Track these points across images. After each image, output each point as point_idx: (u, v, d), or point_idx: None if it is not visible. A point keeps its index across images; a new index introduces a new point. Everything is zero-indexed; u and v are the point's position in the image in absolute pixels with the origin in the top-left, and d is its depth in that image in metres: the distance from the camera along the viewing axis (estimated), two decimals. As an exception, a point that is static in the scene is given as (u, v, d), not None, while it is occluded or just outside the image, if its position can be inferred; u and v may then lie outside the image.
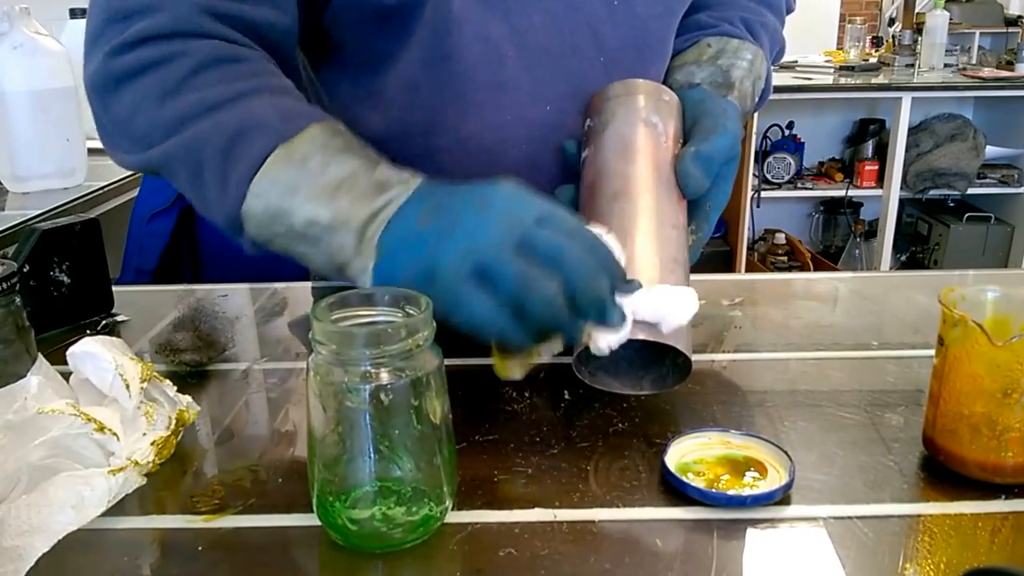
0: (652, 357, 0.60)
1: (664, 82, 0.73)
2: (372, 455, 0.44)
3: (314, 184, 0.52)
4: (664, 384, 0.58)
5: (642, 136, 0.63)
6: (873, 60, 3.32)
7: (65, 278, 0.76)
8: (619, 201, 0.60)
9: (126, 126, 0.58)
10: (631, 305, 0.52)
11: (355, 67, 0.69)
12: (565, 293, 0.48)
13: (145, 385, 0.55)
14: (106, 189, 1.44)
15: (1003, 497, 0.49)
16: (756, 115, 2.81)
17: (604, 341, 0.51)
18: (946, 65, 3.24)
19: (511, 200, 0.51)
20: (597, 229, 0.53)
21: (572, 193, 0.65)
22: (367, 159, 0.55)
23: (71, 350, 0.54)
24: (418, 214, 0.51)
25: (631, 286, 0.52)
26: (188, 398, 0.58)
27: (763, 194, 3.21)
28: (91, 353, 0.54)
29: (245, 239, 0.57)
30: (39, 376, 0.52)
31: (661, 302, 0.53)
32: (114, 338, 0.57)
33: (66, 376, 0.55)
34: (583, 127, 0.68)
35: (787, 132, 3.32)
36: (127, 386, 0.53)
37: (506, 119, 0.68)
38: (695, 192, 0.62)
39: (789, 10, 0.87)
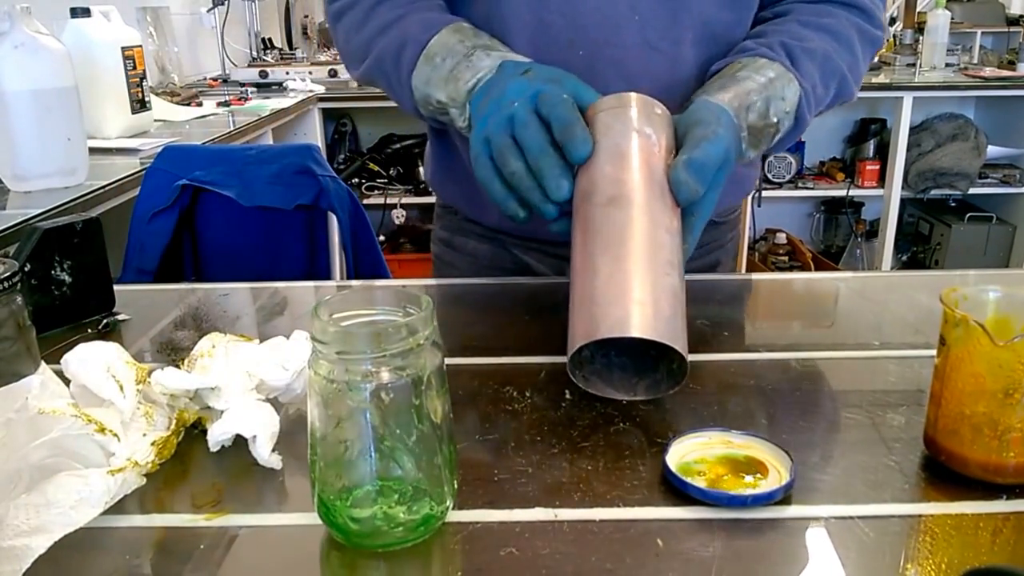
0: (647, 362, 0.60)
1: (688, 99, 0.73)
2: (373, 454, 0.44)
3: (437, 76, 0.75)
4: (658, 390, 0.59)
5: (635, 145, 0.63)
6: (874, 59, 3.31)
7: (66, 277, 0.76)
8: (613, 207, 0.60)
9: (345, 51, 0.86)
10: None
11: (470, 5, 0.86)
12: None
13: (141, 386, 0.55)
14: (107, 188, 1.44)
15: (1004, 497, 0.49)
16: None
17: None
18: (947, 65, 3.25)
19: (511, 87, 0.68)
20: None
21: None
22: (467, 50, 0.75)
23: (65, 358, 0.54)
24: (480, 100, 0.71)
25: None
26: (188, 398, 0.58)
27: (764, 193, 3.21)
28: (83, 358, 0.54)
29: (427, 118, 0.81)
30: (42, 377, 0.52)
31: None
32: (108, 343, 0.57)
33: (67, 383, 0.55)
34: None
35: (788, 132, 3.32)
36: (121, 387, 0.53)
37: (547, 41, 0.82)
38: (688, 199, 0.62)
39: (874, 41, 0.83)
